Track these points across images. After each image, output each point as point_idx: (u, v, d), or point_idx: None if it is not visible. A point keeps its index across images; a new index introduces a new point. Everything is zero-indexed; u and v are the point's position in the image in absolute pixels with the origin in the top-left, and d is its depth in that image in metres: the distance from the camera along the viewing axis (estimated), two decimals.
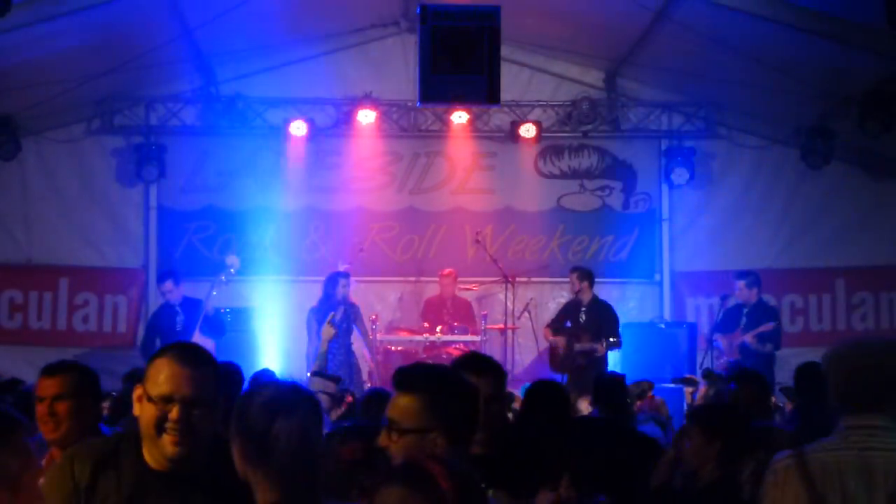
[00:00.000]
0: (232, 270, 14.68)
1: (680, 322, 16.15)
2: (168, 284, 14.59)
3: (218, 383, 4.15)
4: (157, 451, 3.99)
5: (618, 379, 9.41)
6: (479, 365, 5.18)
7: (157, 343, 14.05)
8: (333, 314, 12.92)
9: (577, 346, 14.50)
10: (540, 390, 7.32)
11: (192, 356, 4.08)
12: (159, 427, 3.94)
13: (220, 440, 4.02)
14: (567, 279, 15.39)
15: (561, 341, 14.80)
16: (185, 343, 4.28)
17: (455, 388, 4.11)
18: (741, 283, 14.83)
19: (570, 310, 15.09)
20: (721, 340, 14.74)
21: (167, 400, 3.94)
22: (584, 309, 14.90)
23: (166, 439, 3.95)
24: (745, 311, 14.74)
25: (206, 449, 4.03)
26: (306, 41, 16.27)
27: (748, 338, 14.39)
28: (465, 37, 12.94)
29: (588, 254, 16.70)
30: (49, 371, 5.54)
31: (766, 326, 14.44)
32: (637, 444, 7.14)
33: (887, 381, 4.45)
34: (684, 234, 16.97)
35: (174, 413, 3.93)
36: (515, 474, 4.94)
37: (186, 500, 4.04)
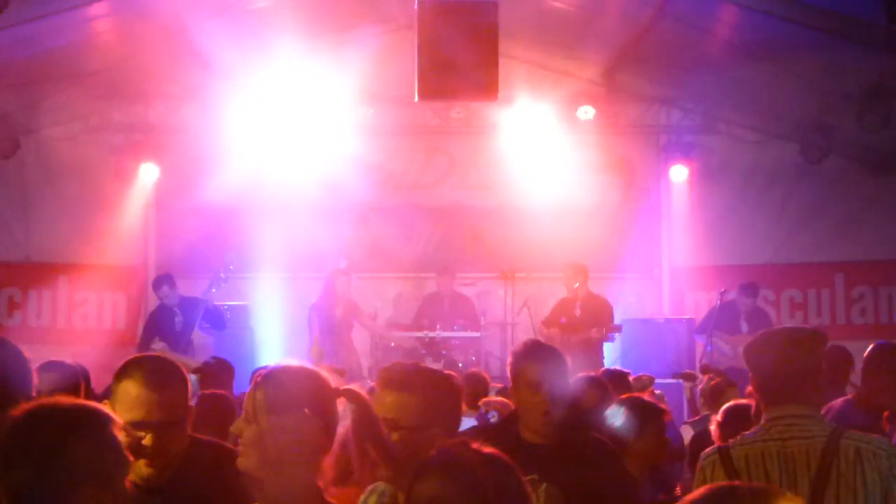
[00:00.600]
0: (231, 267, 14.65)
1: (679, 317, 16.16)
2: (164, 290, 14.53)
3: (187, 394, 4.12)
4: (132, 472, 3.96)
5: (622, 374, 9.43)
6: (539, 353, 5.47)
7: (157, 342, 14.05)
8: (316, 344, 13.12)
9: (574, 338, 14.51)
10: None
11: (159, 377, 4.00)
12: (133, 452, 3.87)
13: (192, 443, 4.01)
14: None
15: (556, 334, 14.81)
16: (150, 360, 4.17)
17: (445, 385, 4.15)
18: (748, 301, 14.90)
19: (565, 305, 15.12)
20: (722, 340, 14.70)
21: (138, 426, 3.89)
22: (578, 303, 14.92)
23: (141, 463, 3.91)
24: (744, 315, 14.76)
25: (178, 458, 4.03)
26: (304, 38, 16.24)
27: None
28: (463, 33, 12.93)
29: (587, 249, 16.68)
30: (48, 367, 5.53)
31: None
32: None
33: (799, 371, 4.57)
34: (683, 229, 16.98)
35: (148, 440, 3.90)
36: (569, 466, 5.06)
37: None
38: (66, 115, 16.15)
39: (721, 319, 14.79)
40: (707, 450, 4.73)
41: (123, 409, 3.89)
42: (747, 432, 4.64)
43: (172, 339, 14.01)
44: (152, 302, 15.92)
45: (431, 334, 15.16)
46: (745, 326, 14.64)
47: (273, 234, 16.47)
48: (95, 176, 16.50)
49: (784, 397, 4.55)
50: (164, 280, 14.68)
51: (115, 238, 16.57)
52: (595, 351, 14.56)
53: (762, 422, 4.60)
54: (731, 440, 4.66)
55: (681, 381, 13.11)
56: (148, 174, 16.28)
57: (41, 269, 16.37)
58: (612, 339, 14.86)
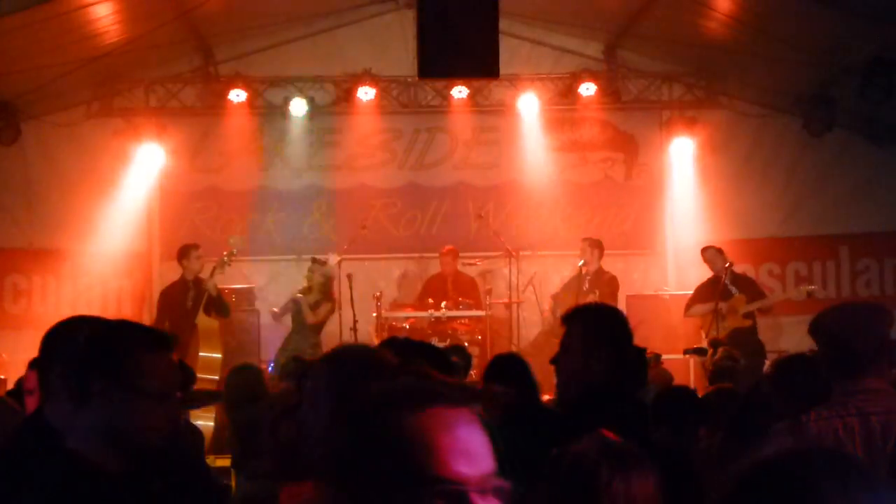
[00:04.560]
0: (234, 251, 14.61)
1: (684, 293, 16.10)
2: (192, 256, 14.44)
3: None
4: None
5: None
6: None
7: (166, 325, 14.01)
8: None
9: None
10: None
11: None
12: None
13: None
14: (569, 252, 15.46)
15: (547, 313, 14.80)
16: None
17: None
18: (710, 253, 14.78)
19: (573, 282, 15.11)
20: (723, 307, 14.66)
21: None
22: (588, 279, 14.92)
23: None
24: (728, 280, 14.65)
25: None
26: (304, 19, 16.23)
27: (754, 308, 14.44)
28: (464, 11, 12.88)
29: (591, 226, 16.66)
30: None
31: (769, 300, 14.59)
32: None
33: (875, 343, 4.44)
34: (687, 204, 16.93)
35: None
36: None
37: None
38: (67, 102, 16.12)
39: (714, 294, 14.72)
40: (779, 423, 4.60)
41: None
42: (821, 406, 4.48)
43: (181, 318, 13.98)
44: (157, 287, 15.92)
45: (437, 314, 15.15)
46: (735, 291, 14.57)
47: (276, 217, 16.49)
48: (97, 162, 16.47)
49: (861, 370, 4.42)
50: (191, 248, 14.55)
51: (119, 224, 16.53)
52: None
53: (836, 394, 4.45)
54: (804, 414, 4.50)
55: (690, 356, 13.15)
56: (150, 159, 16.24)
57: (45, 255, 16.34)
58: None
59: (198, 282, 14.38)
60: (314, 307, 14.78)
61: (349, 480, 2.06)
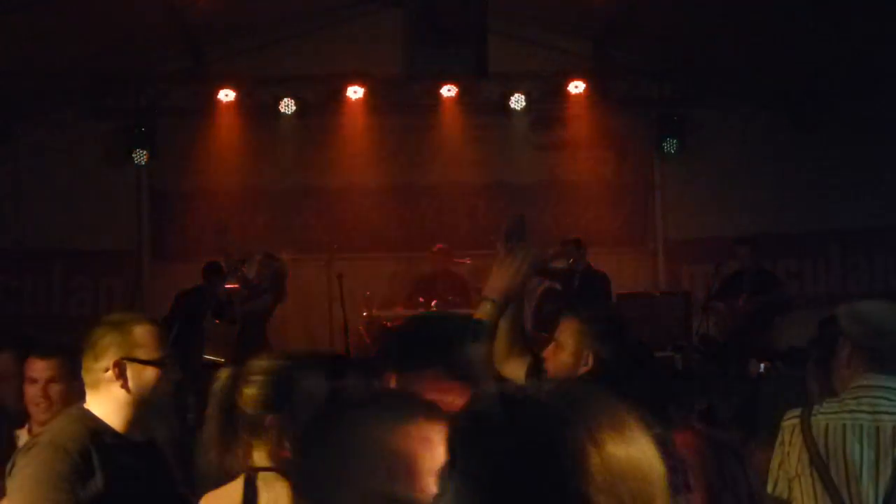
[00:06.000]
0: (258, 257, 14.61)
1: (675, 291, 16.13)
2: (214, 280, 14.38)
3: None
4: None
5: None
6: None
7: (175, 328, 14.03)
8: None
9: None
10: None
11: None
12: None
13: None
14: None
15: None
16: None
17: None
18: (745, 249, 14.61)
19: (564, 278, 15.09)
20: (719, 305, 14.59)
21: None
22: (578, 276, 14.91)
23: None
24: (746, 277, 14.57)
25: None
26: (294, 18, 16.22)
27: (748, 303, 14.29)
28: (452, 10, 12.90)
29: (580, 224, 16.66)
30: (42, 353, 5.49)
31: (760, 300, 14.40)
32: None
33: None
34: (677, 201, 16.97)
35: None
36: None
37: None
38: (58, 101, 16.10)
39: (726, 289, 14.67)
40: (791, 412, 4.45)
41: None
42: (834, 399, 4.39)
43: (191, 323, 13.99)
44: (148, 287, 15.94)
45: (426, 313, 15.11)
46: (747, 287, 14.46)
47: (267, 217, 16.49)
48: (87, 161, 16.47)
49: (883, 367, 4.30)
50: (216, 271, 14.48)
51: (109, 223, 16.53)
52: None
53: (851, 389, 4.34)
54: (817, 405, 4.40)
55: (678, 353, 13.15)
56: (140, 159, 16.22)
57: (35, 256, 16.32)
58: None
59: (215, 296, 14.36)
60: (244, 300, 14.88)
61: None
